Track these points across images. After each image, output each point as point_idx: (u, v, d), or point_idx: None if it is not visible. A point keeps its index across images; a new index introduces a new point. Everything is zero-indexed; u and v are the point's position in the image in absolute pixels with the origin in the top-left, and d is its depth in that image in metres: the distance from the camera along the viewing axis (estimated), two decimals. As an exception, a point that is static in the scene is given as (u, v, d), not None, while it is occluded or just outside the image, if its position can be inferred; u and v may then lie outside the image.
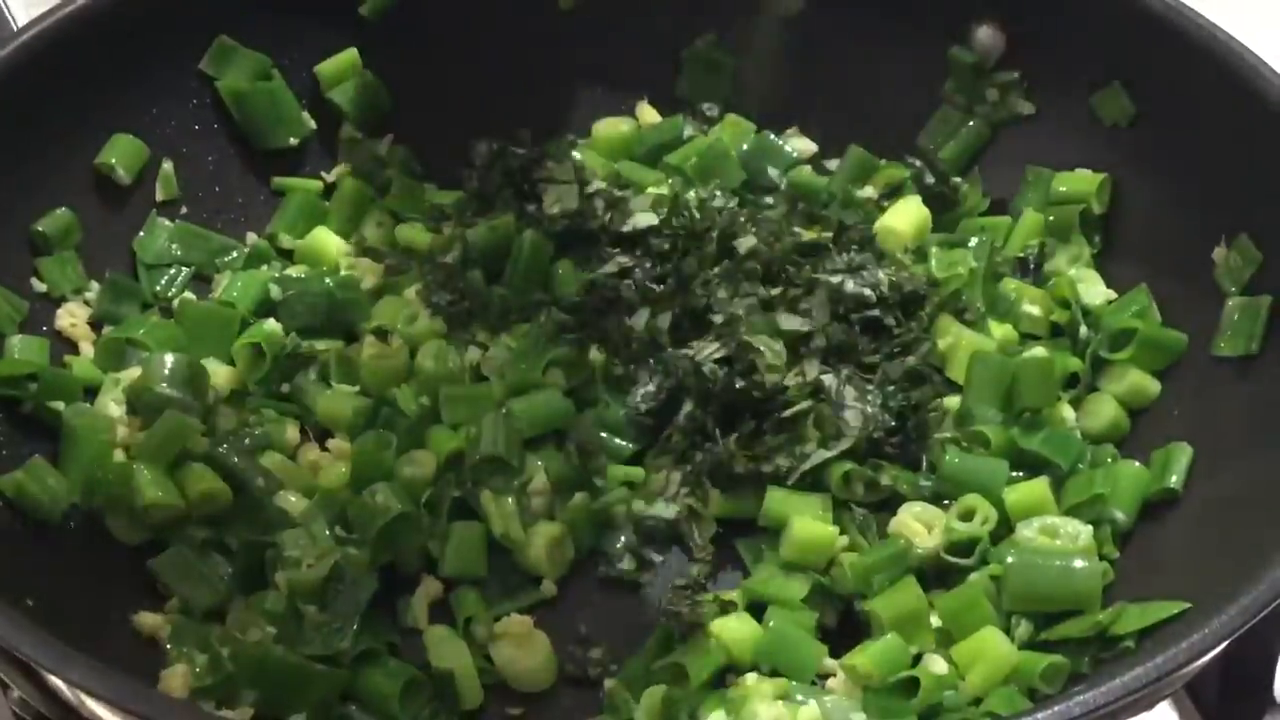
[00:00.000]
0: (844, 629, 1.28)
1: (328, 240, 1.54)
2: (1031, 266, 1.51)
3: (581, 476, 1.36)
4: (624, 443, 1.40)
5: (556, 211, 1.50)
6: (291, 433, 1.40)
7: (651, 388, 1.40)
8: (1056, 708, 0.99)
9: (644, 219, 1.48)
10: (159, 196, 1.52)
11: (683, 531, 1.35)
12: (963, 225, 1.54)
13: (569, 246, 1.50)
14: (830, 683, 1.23)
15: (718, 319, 1.40)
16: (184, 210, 1.54)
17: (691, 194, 1.52)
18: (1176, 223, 1.44)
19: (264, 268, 1.52)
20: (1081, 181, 1.49)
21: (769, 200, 1.55)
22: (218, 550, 1.31)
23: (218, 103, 1.55)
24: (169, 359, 1.37)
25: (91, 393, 1.40)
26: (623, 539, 1.35)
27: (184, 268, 1.51)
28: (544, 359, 1.41)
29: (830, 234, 1.49)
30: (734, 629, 1.26)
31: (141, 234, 1.51)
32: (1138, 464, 1.34)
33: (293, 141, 1.58)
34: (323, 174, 1.61)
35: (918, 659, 1.23)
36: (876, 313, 1.43)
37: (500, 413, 1.36)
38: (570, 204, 1.50)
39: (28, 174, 1.42)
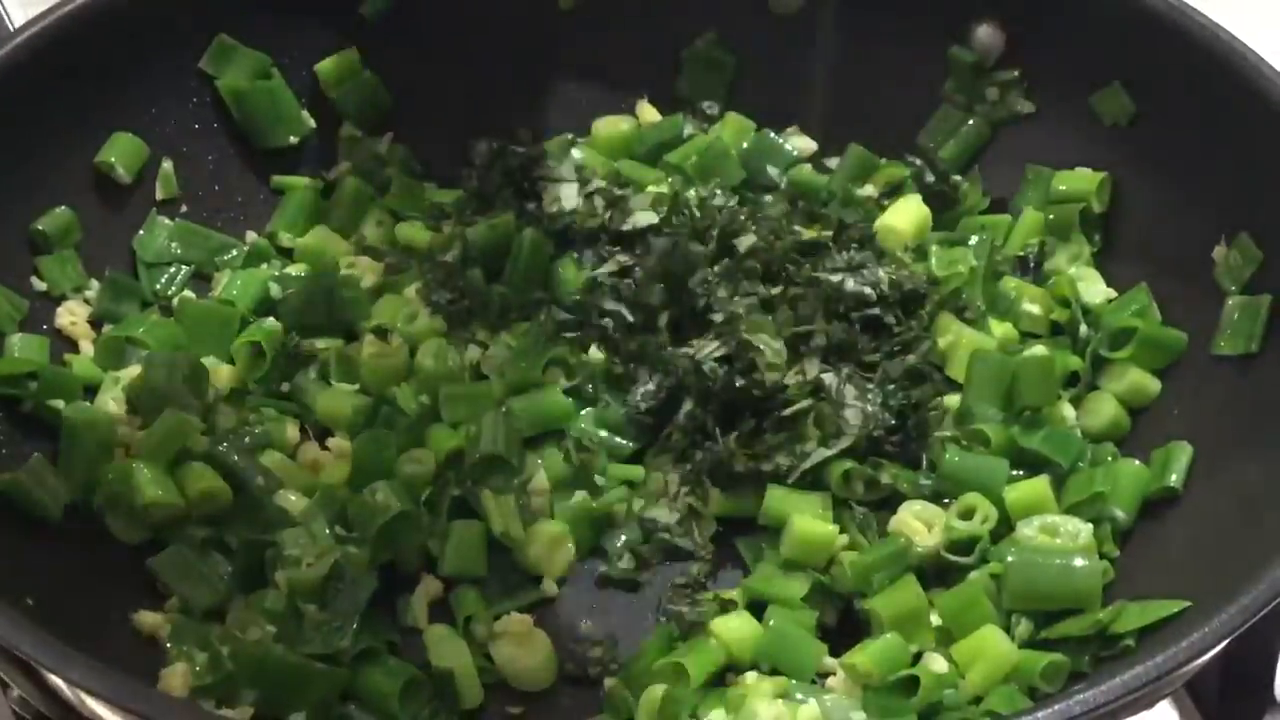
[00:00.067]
0: (844, 628, 1.28)
1: (328, 239, 1.54)
2: (1031, 265, 1.51)
3: (581, 475, 1.36)
4: (624, 442, 1.40)
5: (556, 210, 1.50)
6: (291, 431, 1.40)
7: (651, 387, 1.40)
8: (1057, 706, 0.99)
9: (644, 218, 1.48)
10: (159, 195, 1.52)
11: (683, 530, 1.35)
12: (963, 224, 1.54)
13: (569, 245, 1.50)
14: (830, 682, 1.23)
15: (718, 318, 1.40)
16: (184, 209, 1.54)
17: (692, 193, 1.52)
18: (1176, 222, 1.44)
19: (264, 266, 1.52)
20: (1081, 180, 1.49)
21: (769, 199, 1.55)
22: (218, 549, 1.31)
23: (217, 102, 1.55)
24: (169, 358, 1.38)
25: (91, 391, 1.40)
26: (623, 538, 1.35)
27: (184, 266, 1.51)
28: (544, 358, 1.41)
29: (830, 232, 1.49)
30: (734, 628, 1.26)
31: (141, 232, 1.51)
32: (1138, 463, 1.34)
33: (292, 140, 1.58)
34: (322, 173, 1.61)
35: (918, 658, 1.23)
36: (877, 311, 1.43)
37: (500, 411, 1.36)
38: (570, 203, 1.50)
39: (28, 173, 1.42)
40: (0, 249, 1.41)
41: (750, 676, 1.23)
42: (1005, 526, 1.29)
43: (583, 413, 1.41)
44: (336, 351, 1.43)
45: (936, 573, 1.29)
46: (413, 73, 1.60)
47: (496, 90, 1.62)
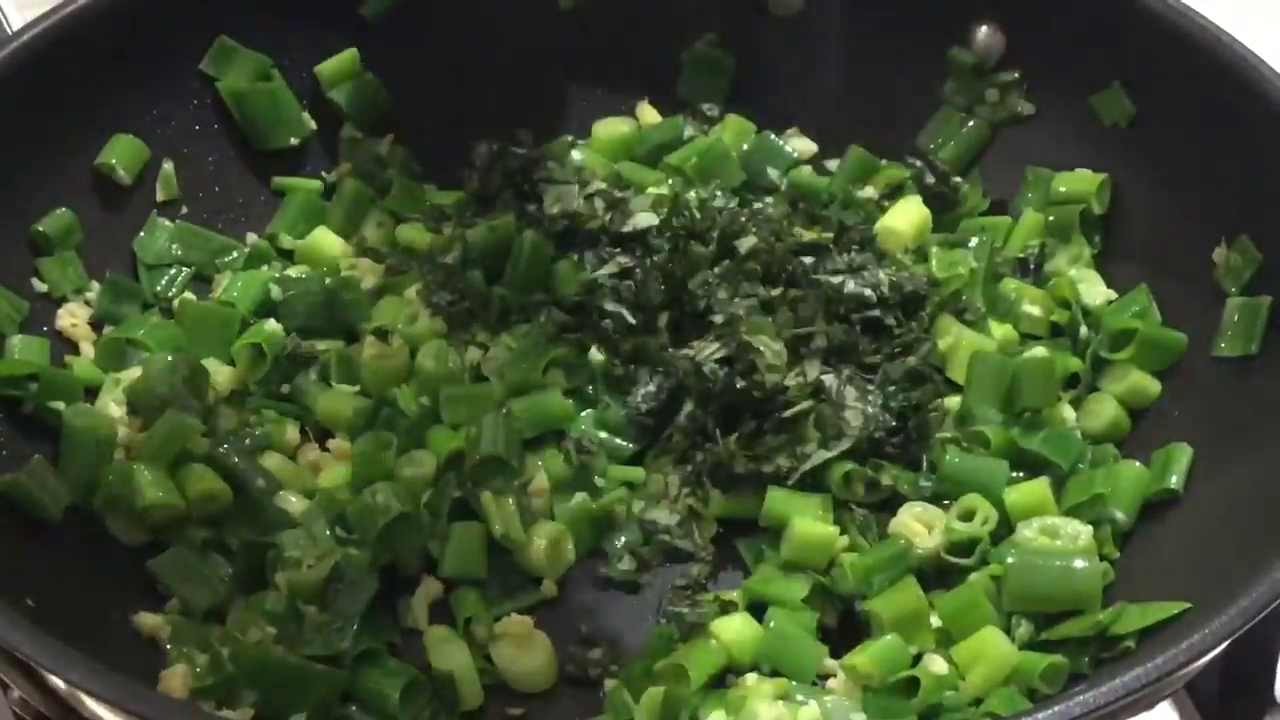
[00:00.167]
0: (844, 629, 1.28)
1: (328, 240, 1.54)
2: (1032, 267, 1.51)
3: (581, 477, 1.36)
4: (624, 443, 1.40)
5: (556, 211, 1.50)
6: (292, 433, 1.40)
7: (651, 388, 1.40)
8: (1057, 708, 0.99)
9: (644, 219, 1.48)
10: (159, 197, 1.52)
11: (683, 532, 1.35)
12: (963, 225, 1.54)
13: (569, 246, 1.50)
14: (830, 683, 1.23)
15: (718, 319, 1.40)
16: (184, 210, 1.54)
17: (692, 194, 1.52)
18: (1176, 223, 1.44)
19: (264, 268, 1.52)
20: (1081, 181, 1.49)
21: (769, 200, 1.55)
22: (218, 551, 1.31)
23: (218, 103, 1.55)
24: (169, 359, 1.38)
25: (92, 393, 1.40)
26: (623, 540, 1.35)
27: (184, 268, 1.51)
28: (544, 359, 1.41)
29: (830, 234, 1.49)
30: (734, 629, 1.26)
31: (142, 234, 1.51)
32: (1138, 464, 1.34)
33: (293, 142, 1.59)
34: (323, 174, 1.61)
35: (918, 659, 1.23)
36: (877, 313, 1.43)
37: (500, 413, 1.36)
38: (570, 204, 1.50)
39: (28, 174, 1.42)
40: (1, 250, 1.41)
41: (751, 678, 1.23)
42: (1005, 528, 1.30)
43: (583, 414, 1.41)
44: (337, 353, 1.44)
45: (937, 574, 1.29)
46: (413, 74, 1.60)
47: (497, 92, 1.62)
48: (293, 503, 1.33)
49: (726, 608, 1.29)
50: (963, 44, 1.57)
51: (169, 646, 1.24)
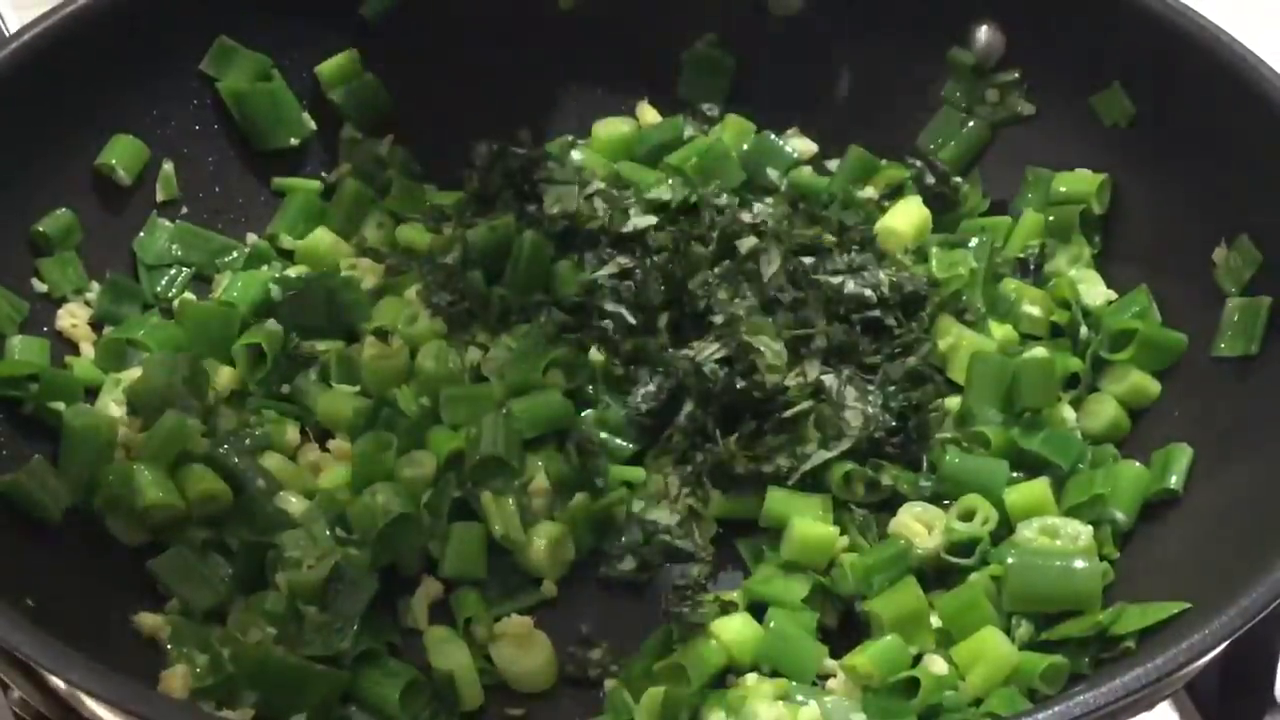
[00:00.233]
0: (844, 629, 1.28)
1: (328, 241, 1.54)
2: (1032, 267, 1.51)
3: (581, 477, 1.36)
4: (624, 443, 1.40)
5: (556, 212, 1.50)
6: (292, 433, 1.40)
7: (651, 388, 1.40)
8: (1057, 708, 0.99)
9: (644, 219, 1.48)
10: (159, 197, 1.52)
11: (683, 532, 1.35)
12: (963, 226, 1.54)
13: (569, 247, 1.50)
14: (830, 683, 1.23)
15: (718, 319, 1.40)
16: (184, 211, 1.54)
17: (692, 194, 1.52)
18: (1176, 223, 1.44)
19: (264, 268, 1.52)
20: (1081, 182, 1.49)
21: (769, 201, 1.55)
22: (218, 551, 1.31)
23: (218, 103, 1.55)
24: (169, 360, 1.38)
25: (92, 393, 1.40)
26: (623, 540, 1.35)
27: (184, 268, 1.52)
28: (544, 359, 1.41)
29: (831, 234, 1.49)
30: (734, 629, 1.26)
31: (142, 234, 1.51)
32: (1138, 465, 1.33)
33: (293, 142, 1.59)
34: (323, 174, 1.61)
35: (918, 659, 1.23)
36: (877, 313, 1.43)
37: (500, 413, 1.36)
38: (570, 204, 1.50)
39: (28, 174, 1.42)
40: (1, 251, 1.41)
41: (751, 678, 1.23)
42: (1005, 528, 1.30)
43: (583, 414, 1.41)
44: (337, 353, 1.44)
45: (937, 574, 1.29)
46: (413, 74, 1.61)
47: (497, 92, 1.62)
48: (293, 503, 1.33)
49: (726, 608, 1.29)
50: (963, 44, 1.57)
51: (169, 647, 1.24)
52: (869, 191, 1.56)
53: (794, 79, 1.62)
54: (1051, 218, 1.50)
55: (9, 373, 1.34)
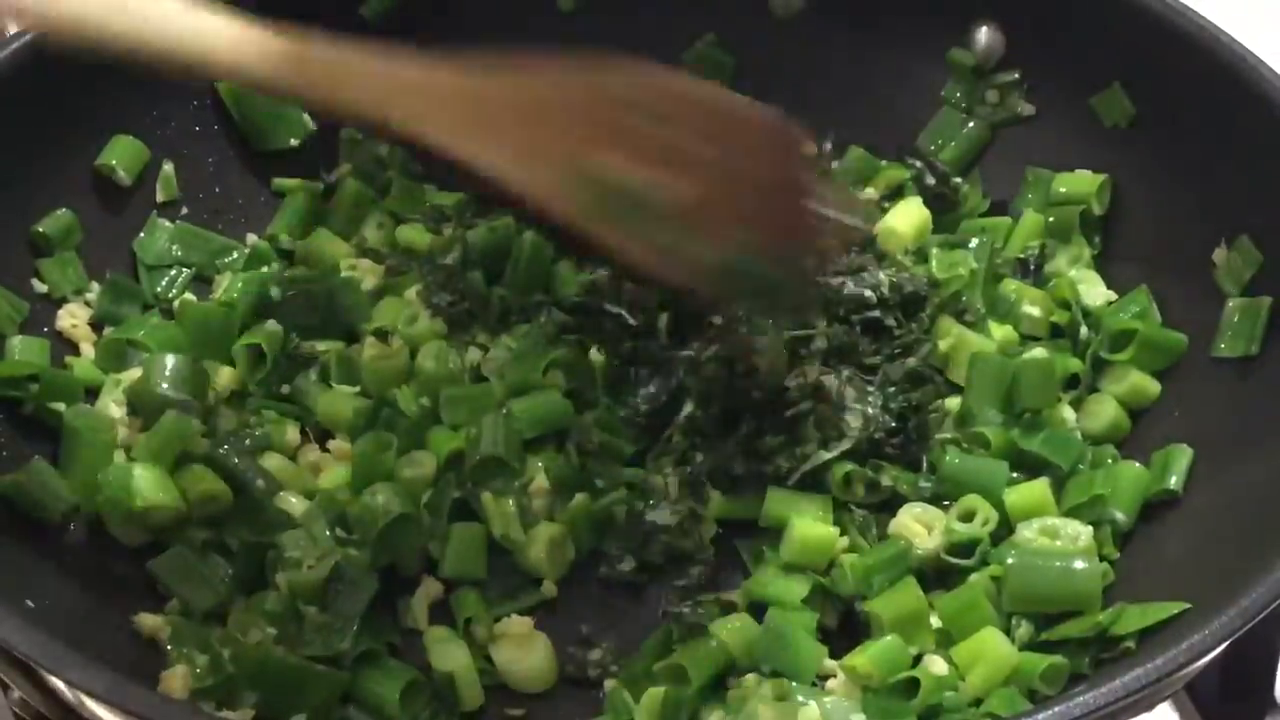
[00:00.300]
0: (844, 630, 1.28)
1: (328, 241, 1.54)
2: (1032, 268, 1.51)
3: (581, 477, 1.36)
4: (624, 443, 1.40)
5: (557, 212, 1.50)
6: (292, 434, 1.40)
7: (651, 388, 1.40)
8: (1057, 709, 0.99)
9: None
10: (159, 197, 1.52)
11: (683, 533, 1.35)
12: (963, 226, 1.54)
13: (569, 247, 1.50)
14: (830, 683, 1.23)
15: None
16: (184, 211, 1.54)
17: None
18: (1177, 224, 1.44)
19: (264, 269, 1.52)
20: (1082, 182, 1.49)
21: None
22: (218, 551, 1.31)
23: (218, 104, 1.55)
24: (170, 360, 1.37)
25: (92, 394, 1.40)
26: (623, 540, 1.35)
27: (184, 269, 1.51)
28: (544, 360, 1.41)
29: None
30: (734, 630, 1.26)
31: (142, 235, 1.51)
32: (1138, 465, 1.33)
33: (293, 143, 1.59)
34: (323, 175, 1.61)
35: (918, 660, 1.23)
36: (877, 314, 1.43)
37: (500, 413, 1.36)
38: (570, 205, 1.50)
39: (28, 175, 1.42)
40: (1, 251, 1.41)
41: (750, 678, 1.23)
42: (1005, 529, 1.29)
43: (583, 415, 1.41)
44: (337, 354, 1.43)
45: (937, 575, 1.29)
46: (413, 75, 1.60)
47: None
48: (293, 503, 1.33)
49: (726, 608, 1.29)
50: (963, 44, 1.57)
51: (169, 647, 1.24)
52: (869, 192, 1.57)
53: (794, 79, 1.62)
54: (1051, 218, 1.50)
55: (9, 373, 1.34)
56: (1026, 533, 1.27)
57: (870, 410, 1.36)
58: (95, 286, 1.47)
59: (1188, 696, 1.32)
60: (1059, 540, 1.26)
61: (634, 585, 1.34)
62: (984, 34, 1.56)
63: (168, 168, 1.52)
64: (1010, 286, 1.48)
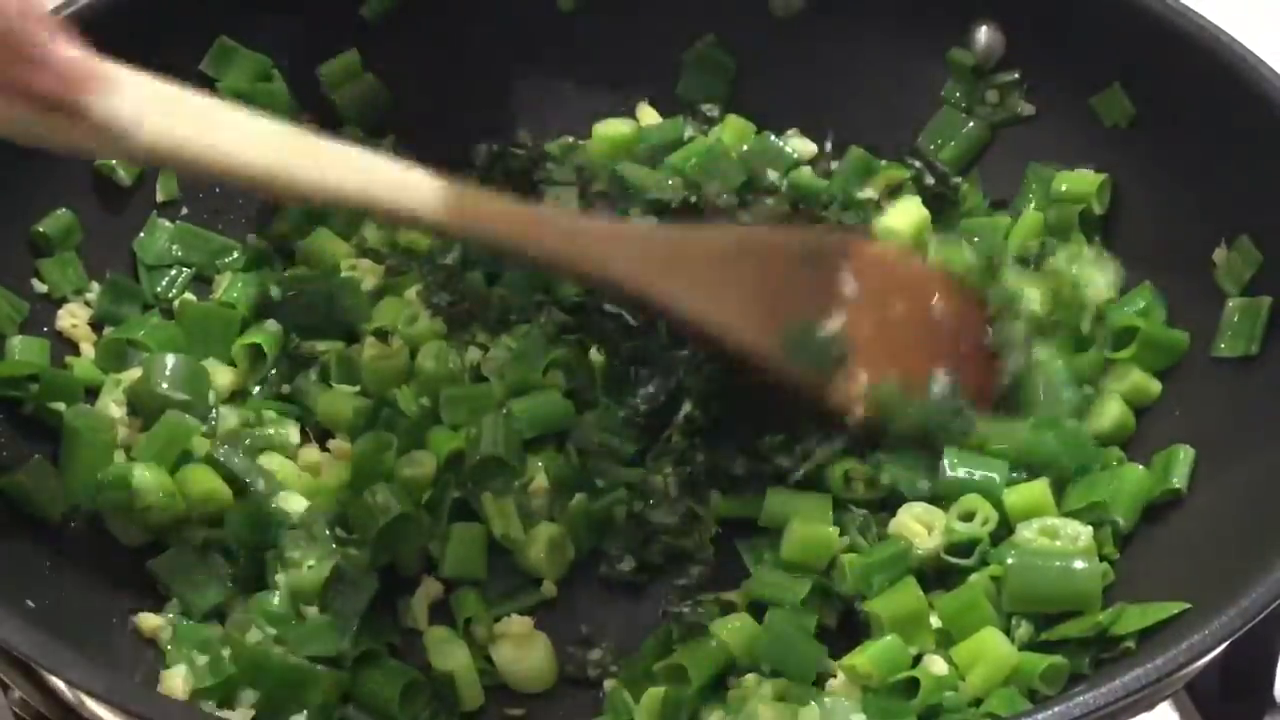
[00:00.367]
0: (844, 630, 1.28)
1: (328, 241, 1.54)
2: (1031, 266, 1.51)
3: (581, 477, 1.36)
4: (624, 443, 1.40)
5: (557, 212, 1.50)
6: (292, 433, 1.40)
7: (651, 389, 1.40)
8: (1057, 709, 0.99)
9: (644, 221, 1.48)
10: (159, 197, 1.52)
11: (683, 532, 1.35)
12: (963, 225, 1.54)
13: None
14: (830, 683, 1.23)
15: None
16: (185, 211, 1.54)
17: (692, 195, 1.51)
18: (1176, 224, 1.44)
19: (264, 269, 1.52)
20: (1082, 181, 1.49)
21: (770, 202, 1.55)
22: (218, 551, 1.31)
23: (218, 104, 1.55)
24: (170, 360, 1.38)
25: (92, 394, 1.40)
26: (623, 540, 1.35)
27: (185, 269, 1.51)
28: (544, 360, 1.41)
29: None
30: (734, 630, 1.26)
31: (142, 235, 1.51)
32: (1140, 467, 1.33)
33: (293, 142, 1.58)
34: (323, 175, 1.60)
35: (918, 660, 1.23)
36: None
37: (500, 413, 1.36)
38: (570, 204, 1.50)
39: (28, 175, 1.42)
40: (1, 251, 1.41)
41: (750, 678, 1.23)
42: (1005, 529, 1.29)
43: (583, 415, 1.41)
44: (337, 354, 1.43)
45: (937, 575, 1.29)
46: (413, 74, 1.60)
47: (497, 92, 1.62)
48: (293, 503, 1.33)
49: (726, 608, 1.29)
50: (963, 44, 1.56)
51: (169, 647, 1.24)
52: (869, 192, 1.56)
53: (794, 79, 1.62)
54: (1052, 216, 1.50)
55: (9, 373, 1.34)
56: (1026, 533, 1.27)
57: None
58: (95, 286, 1.47)
59: (1188, 696, 1.32)
60: (1059, 540, 1.26)
61: (634, 585, 1.34)
62: (984, 34, 1.55)
63: (168, 167, 1.52)
64: (1010, 279, 1.48)
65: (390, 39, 1.60)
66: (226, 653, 1.21)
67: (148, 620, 1.26)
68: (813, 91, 1.61)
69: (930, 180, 1.55)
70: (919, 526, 1.30)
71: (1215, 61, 1.38)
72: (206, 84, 1.54)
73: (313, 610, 1.25)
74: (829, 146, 1.61)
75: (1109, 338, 1.41)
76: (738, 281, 1.32)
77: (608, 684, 1.26)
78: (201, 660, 1.22)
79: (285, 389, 1.43)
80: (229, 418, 1.38)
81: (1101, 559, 1.26)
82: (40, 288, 1.44)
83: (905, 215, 1.51)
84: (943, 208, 1.55)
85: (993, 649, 1.20)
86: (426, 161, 1.60)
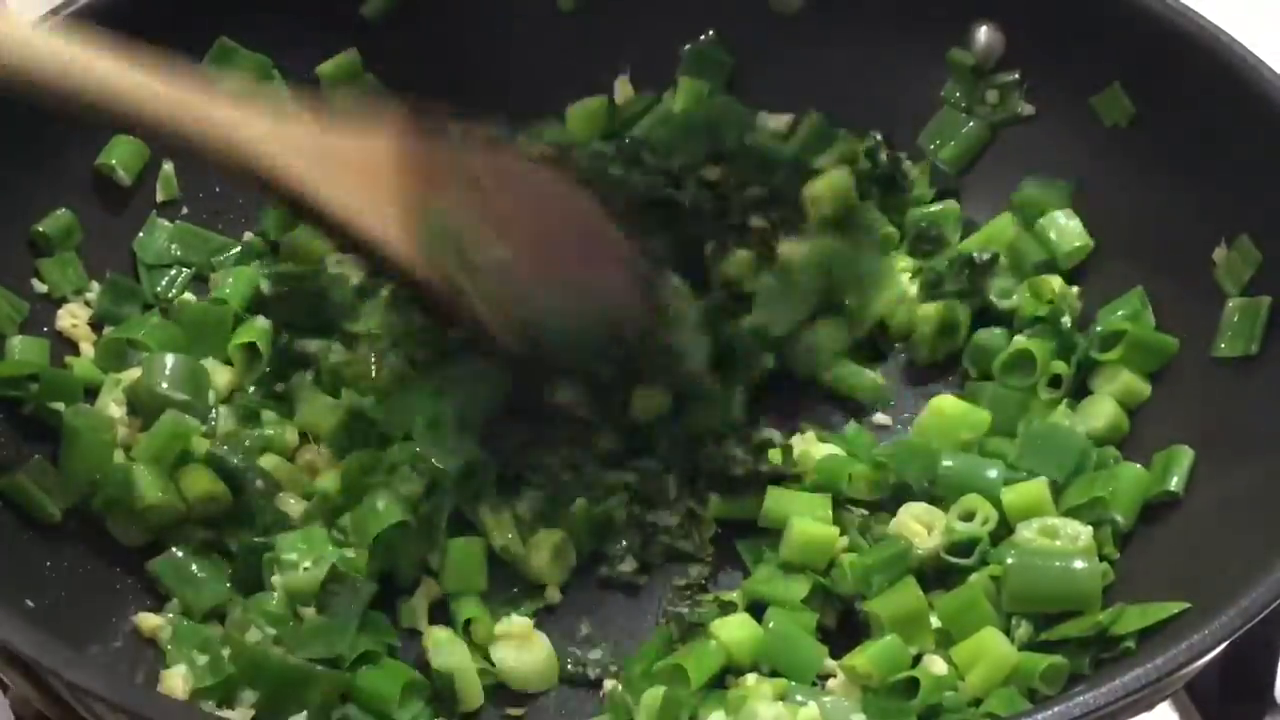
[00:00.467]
0: (844, 630, 1.28)
1: (311, 236, 1.52)
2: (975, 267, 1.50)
3: (580, 480, 1.36)
4: (623, 445, 1.40)
5: (556, 212, 1.50)
6: (291, 435, 1.39)
7: (650, 389, 1.40)
8: (1056, 708, 0.99)
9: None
10: (159, 197, 1.52)
11: (683, 533, 1.35)
12: (910, 214, 1.54)
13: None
14: (830, 683, 1.23)
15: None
16: (184, 211, 1.54)
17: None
18: (1176, 223, 1.43)
19: (255, 263, 1.52)
20: (1066, 239, 1.48)
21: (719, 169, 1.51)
22: (218, 551, 1.31)
23: (218, 104, 1.55)
24: (169, 359, 1.38)
25: (92, 393, 1.40)
26: (623, 542, 1.35)
27: (184, 268, 1.51)
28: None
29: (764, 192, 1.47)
30: (734, 630, 1.26)
31: (142, 235, 1.51)
32: (1139, 467, 1.33)
33: (293, 142, 1.58)
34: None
35: (918, 659, 1.23)
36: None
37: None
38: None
39: (28, 175, 1.42)
40: (1, 251, 1.41)
41: (750, 678, 1.23)
42: (1005, 529, 1.29)
43: (581, 416, 1.40)
44: (327, 364, 1.41)
45: (936, 575, 1.29)
46: (413, 74, 1.60)
47: (496, 91, 1.61)
48: (291, 504, 1.33)
49: (726, 608, 1.29)
50: (963, 44, 1.56)
51: (169, 647, 1.24)
52: (823, 161, 1.53)
53: (794, 79, 1.62)
54: (1017, 259, 1.50)
55: (9, 373, 1.34)
56: (1026, 533, 1.27)
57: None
58: (95, 286, 1.47)
59: (1188, 696, 1.32)
60: (1059, 540, 1.26)
61: (634, 585, 1.34)
62: (984, 34, 1.55)
63: (167, 167, 1.52)
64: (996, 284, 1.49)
65: (390, 39, 1.60)
66: (226, 653, 1.21)
67: (148, 620, 1.26)
68: (812, 90, 1.61)
69: (882, 158, 1.54)
70: (919, 526, 1.30)
71: (1215, 61, 1.38)
72: (206, 84, 1.54)
73: (311, 611, 1.24)
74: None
75: (1097, 339, 1.41)
76: (386, 188, 1.29)
77: (608, 684, 1.26)
78: (201, 660, 1.22)
79: (280, 388, 1.42)
80: (228, 418, 1.38)
81: (1101, 559, 1.26)
82: (40, 288, 1.44)
83: (828, 181, 1.49)
84: (890, 190, 1.54)
85: (992, 649, 1.20)
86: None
